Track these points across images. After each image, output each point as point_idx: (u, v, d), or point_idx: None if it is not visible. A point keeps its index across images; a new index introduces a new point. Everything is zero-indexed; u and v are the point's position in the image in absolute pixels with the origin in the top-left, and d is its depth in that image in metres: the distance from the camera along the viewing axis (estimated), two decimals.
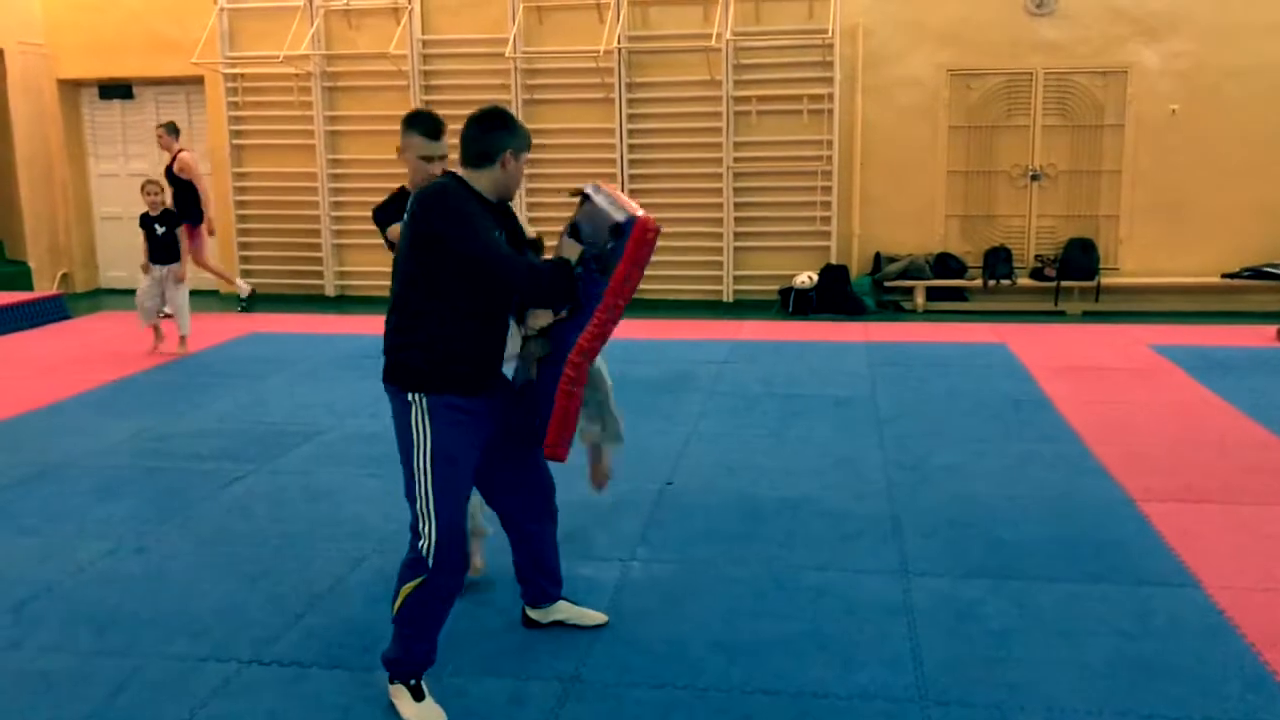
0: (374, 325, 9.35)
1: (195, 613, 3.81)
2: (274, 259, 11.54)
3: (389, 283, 3.21)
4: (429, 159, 3.73)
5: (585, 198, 3.37)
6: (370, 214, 4.37)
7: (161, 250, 8.42)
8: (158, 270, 8.42)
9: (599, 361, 3.59)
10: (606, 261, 3.12)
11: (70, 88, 11.86)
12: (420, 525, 3.08)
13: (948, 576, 4.07)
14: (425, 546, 3.06)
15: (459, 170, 3.18)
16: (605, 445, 3.92)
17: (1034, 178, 10.43)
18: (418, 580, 3.09)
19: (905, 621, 3.70)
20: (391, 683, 3.20)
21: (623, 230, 3.08)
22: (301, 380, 7.49)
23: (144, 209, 8.44)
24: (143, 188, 8.48)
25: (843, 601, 3.87)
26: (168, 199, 8.69)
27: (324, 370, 7.80)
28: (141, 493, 5.13)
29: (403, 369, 3.12)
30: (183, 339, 8.50)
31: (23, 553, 4.40)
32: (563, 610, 3.69)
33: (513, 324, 3.35)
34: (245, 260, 11.54)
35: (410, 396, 3.08)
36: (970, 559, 4.24)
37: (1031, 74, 10.25)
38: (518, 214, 3.44)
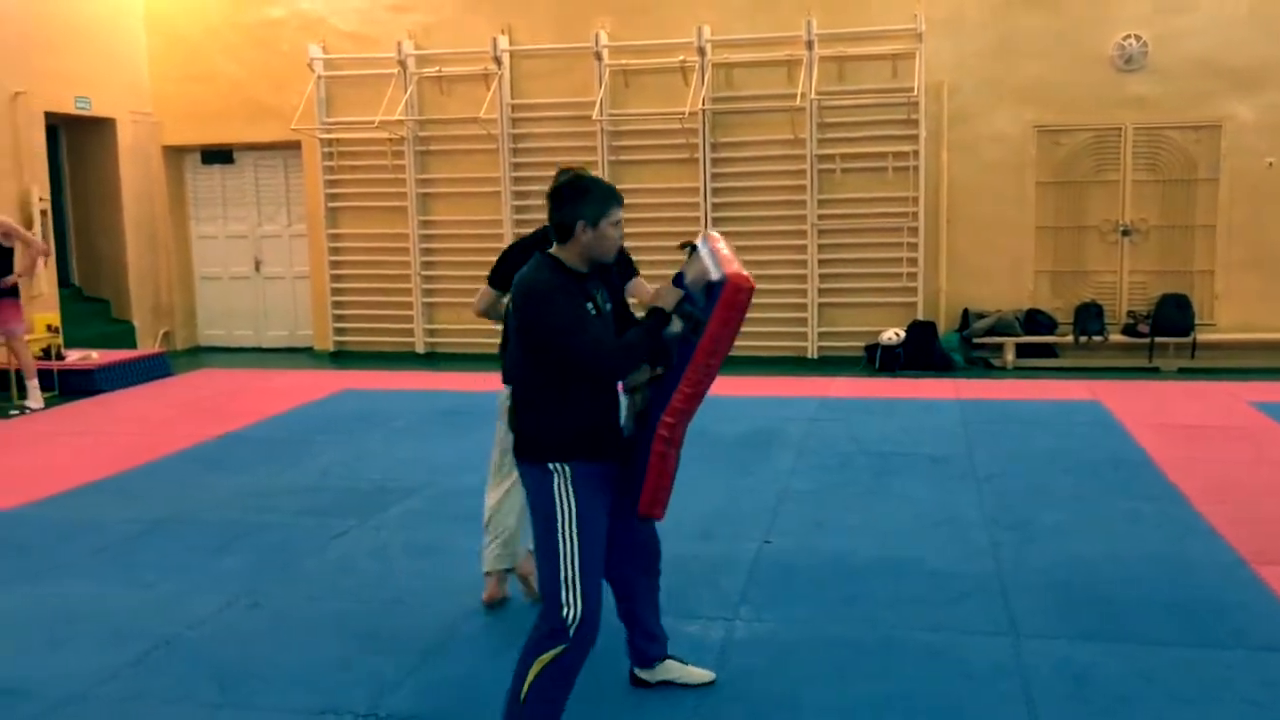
0: (463, 383, 9.64)
1: (311, 666, 3.89)
2: (366, 317, 11.81)
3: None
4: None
5: (693, 249, 3.40)
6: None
7: None
8: None
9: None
10: (700, 320, 3.14)
11: (175, 154, 12.36)
12: (564, 595, 3.06)
13: (1061, 639, 4.00)
14: (570, 616, 3.05)
15: (553, 249, 3.23)
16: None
17: (1125, 233, 10.29)
18: (556, 651, 3.06)
19: (1020, 685, 3.64)
20: None
21: (714, 290, 3.11)
22: (398, 436, 7.63)
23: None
24: None
25: (955, 664, 3.82)
26: None
27: (419, 427, 7.94)
28: (251, 547, 5.26)
29: (535, 444, 3.17)
30: None
31: (142, 605, 4.54)
32: (670, 669, 3.70)
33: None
34: (339, 319, 11.84)
35: (552, 466, 3.13)
36: (1082, 621, 4.16)
37: (1121, 129, 10.16)
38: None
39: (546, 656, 3.06)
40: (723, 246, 3.30)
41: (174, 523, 5.69)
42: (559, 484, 3.12)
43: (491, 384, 10.21)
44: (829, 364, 10.53)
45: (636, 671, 3.70)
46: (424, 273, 11.51)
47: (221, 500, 6.11)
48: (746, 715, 3.50)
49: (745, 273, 3.11)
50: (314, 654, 4.01)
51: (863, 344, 10.53)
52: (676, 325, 3.20)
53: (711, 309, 3.09)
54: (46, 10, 10.70)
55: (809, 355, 10.77)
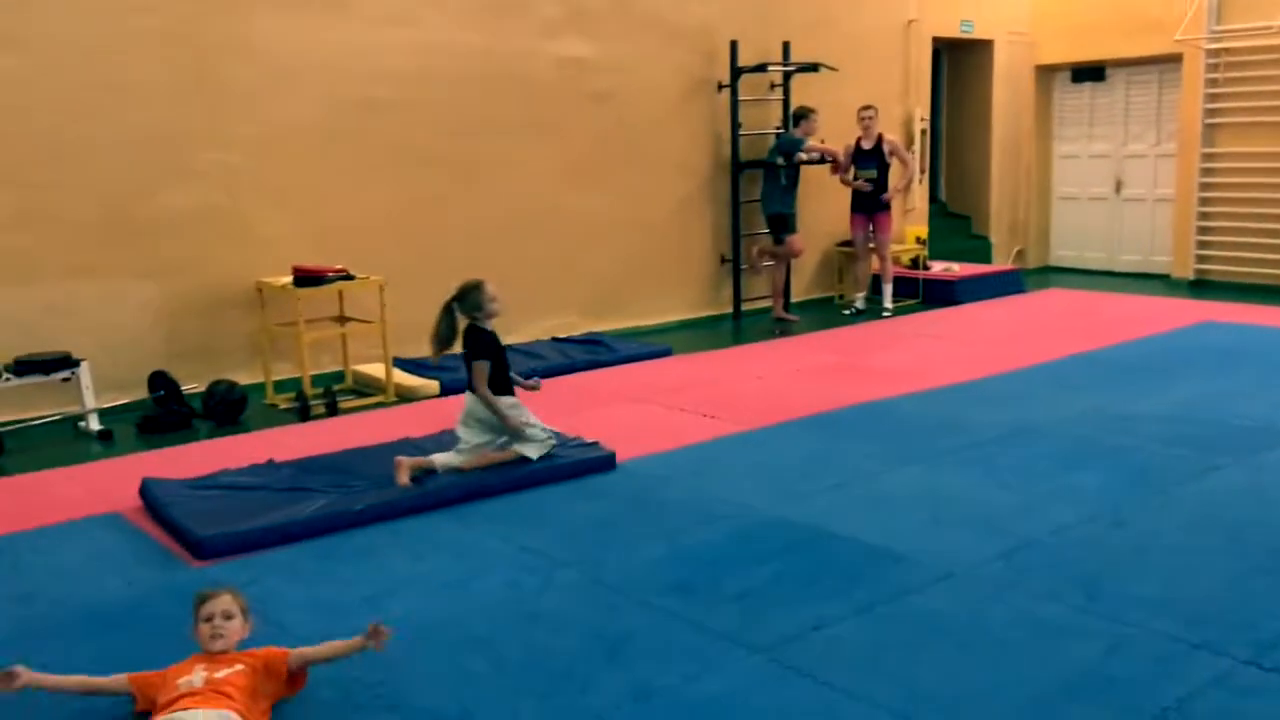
0: None
1: (1184, 598, 3.73)
2: (1235, 244, 10.83)
3: None
4: None
5: None
6: None
7: None
8: None
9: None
10: None
11: (1045, 74, 12.42)
12: None
13: None
14: None
15: None
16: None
17: None
18: None
19: None
20: None
21: None
22: (1274, 376, 6.90)
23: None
24: None
25: None
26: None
27: None
28: (1110, 467, 5.18)
29: None
30: None
31: (1005, 503, 4.74)
32: None
33: None
34: (1203, 245, 11.04)
35: None
36: None
37: None
38: None
39: None
40: None
41: (1030, 432, 5.84)
42: None
43: None
44: None
45: None
46: None
47: (1074, 416, 6.11)
48: None
49: None
50: (1186, 585, 3.83)
51: None
52: None
53: None
54: None
55: None
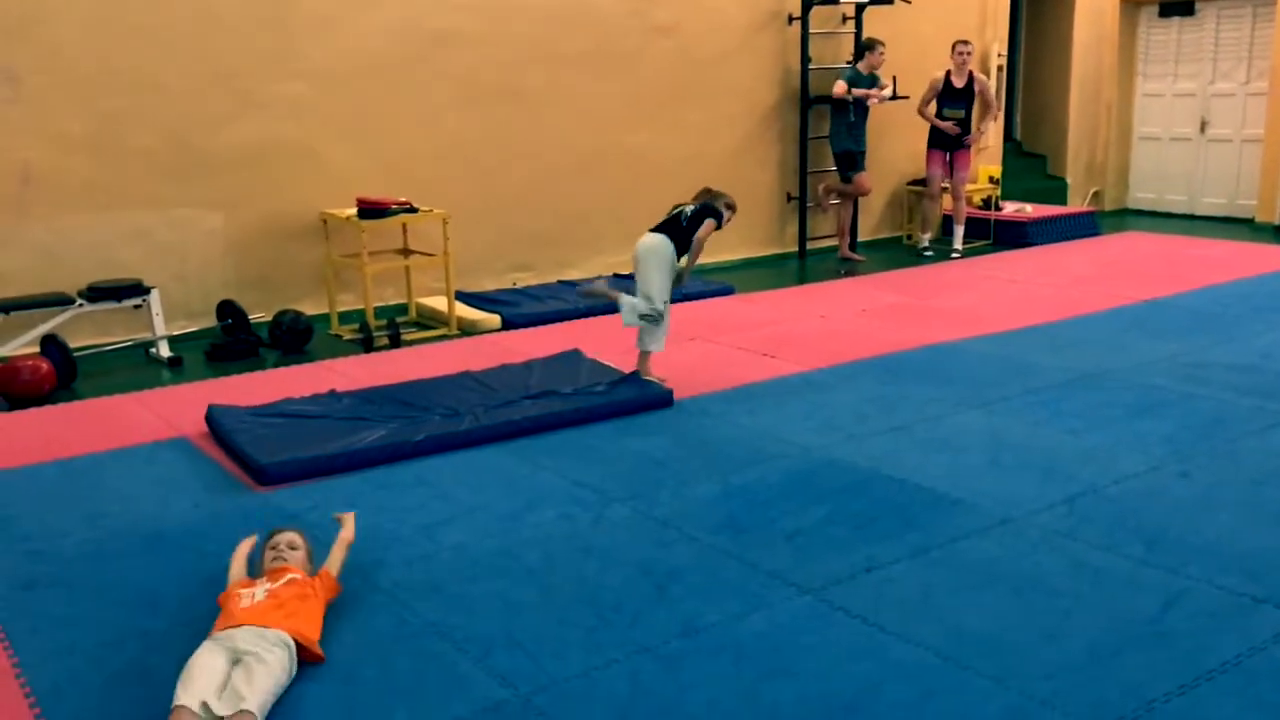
0: None
1: (1247, 551, 3.63)
2: None
3: None
4: None
5: None
6: None
7: None
8: None
9: None
10: None
11: (1131, 8, 11.96)
12: None
13: None
14: None
15: None
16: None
17: None
18: None
19: None
20: None
21: None
22: None
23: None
24: None
25: None
26: None
27: None
28: (1180, 416, 5.06)
29: None
30: None
31: (1069, 450, 4.65)
32: None
33: None
34: None
35: None
36: None
37: None
38: None
39: None
40: None
41: (1099, 377, 5.71)
42: None
43: None
44: None
45: None
46: None
47: (1146, 363, 5.96)
48: None
49: None
50: (1250, 539, 3.73)
51: None
52: None
53: None
54: None
55: None
